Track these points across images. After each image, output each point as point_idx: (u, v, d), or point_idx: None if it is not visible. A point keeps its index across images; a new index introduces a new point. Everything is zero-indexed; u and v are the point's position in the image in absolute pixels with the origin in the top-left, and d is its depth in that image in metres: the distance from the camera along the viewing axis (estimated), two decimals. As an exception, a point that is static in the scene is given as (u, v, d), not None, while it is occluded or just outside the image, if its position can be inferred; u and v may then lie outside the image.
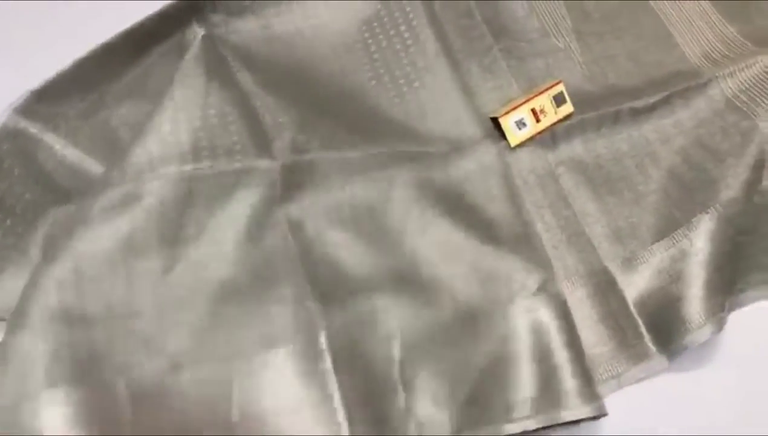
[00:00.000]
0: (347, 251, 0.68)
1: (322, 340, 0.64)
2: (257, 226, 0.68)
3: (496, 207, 0.72)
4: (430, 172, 0.73)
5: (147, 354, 0.63)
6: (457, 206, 0.72)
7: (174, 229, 0.67)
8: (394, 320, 0.66)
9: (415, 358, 0.65)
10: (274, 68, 0.78)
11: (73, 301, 0.63)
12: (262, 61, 0.78)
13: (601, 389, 0.66)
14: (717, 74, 0.80)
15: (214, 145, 0.71)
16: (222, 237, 0.67)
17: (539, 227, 0.73)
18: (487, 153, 0.75)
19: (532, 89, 0.78)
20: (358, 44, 0.81)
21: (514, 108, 0.75)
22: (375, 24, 0.81)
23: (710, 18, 0.86)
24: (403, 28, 0.81)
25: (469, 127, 0.77)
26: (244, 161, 0.71)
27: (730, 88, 0.79)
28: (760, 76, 0.79)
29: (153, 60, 0.77)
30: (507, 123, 0.75)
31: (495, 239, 0.71)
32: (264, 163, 0.71)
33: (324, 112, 0.76)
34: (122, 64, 0.76)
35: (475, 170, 0.74)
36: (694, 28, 0.85)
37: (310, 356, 0.64)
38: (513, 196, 0.73)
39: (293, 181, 0.70)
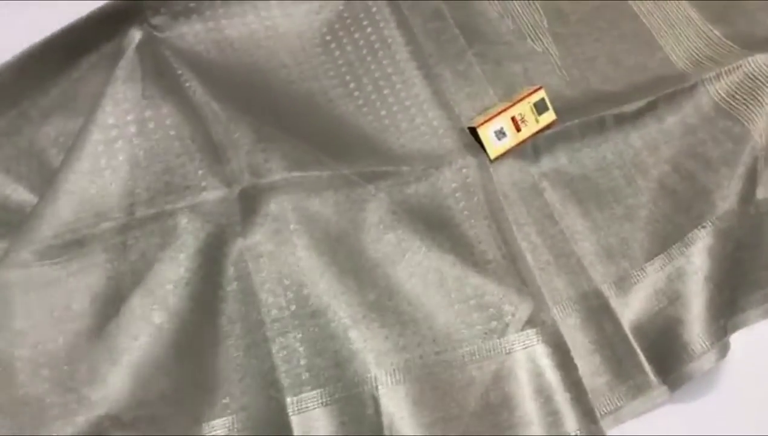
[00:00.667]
0: (317, 283, 0.60)
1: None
2: (207, 267, 0.60)
3: (479, 227, 0.65)
4: (405, 192, 0.65)
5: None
6: (436, 228, 0.64)
7: (107, 288, 0.59)
8: (371, 359, 0.58)
9: (397, 402, 0.57)
10: (226, 76, 0.70)
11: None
12: (211, 68, 0.70)
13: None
14: (703, 77, 0.75)
15: (153, 174, 0.63)
16: (160, 286, 0.59)
17: (524, 246, 0.66)
18: (466, 167, 0.68)
19: (510, 96, 0.72)
20: (318, 48, 0.73)
21: (493, 117, 0.69)
22: (337, 26, 0.74)
23: (693, 20, 0.81)
24: (369, 30, 0.74)
25: (446, 140, 0.70)
26: (191, 194, 0.62)
27: (718, 92, 0.74)
28: (748, 79, 0.74)
29: (82, 71, 0.68)
30: (486, 133, 0.68)
31: (479, 264, 0.63)
32: (216, 194, 0.62)
33: (285, 126, 0.68)
34: (47, 75, 0.68)
35: (454, 187, 0.67)
36: (677, 31, 0.80)
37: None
38: (495, 213, 0.66)
39: (251, 208, 0.62)
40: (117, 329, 0.57)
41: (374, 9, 0.75)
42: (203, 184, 0.63)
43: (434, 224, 0.65)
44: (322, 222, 0.62)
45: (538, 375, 0.60)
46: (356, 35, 0.74)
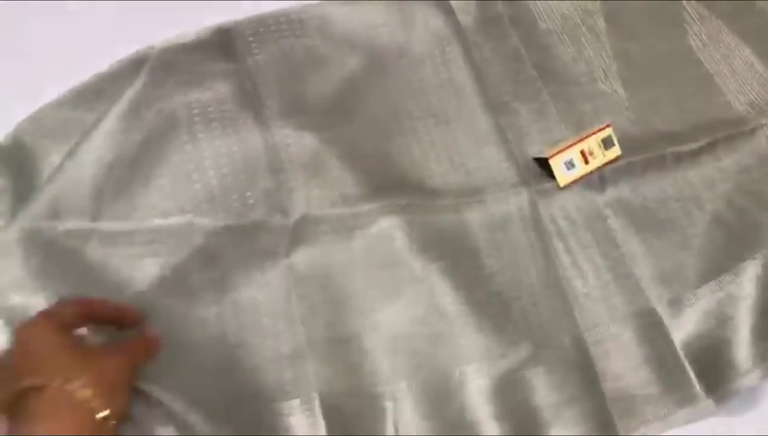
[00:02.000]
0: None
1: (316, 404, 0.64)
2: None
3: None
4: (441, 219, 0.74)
5: None
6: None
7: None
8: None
9: None
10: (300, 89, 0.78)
11: None
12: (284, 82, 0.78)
13: (646, 429, 0.67)
14: (763, 122, 0.81)
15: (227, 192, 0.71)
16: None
17: (587, 267, 0.74)
18: (517, 199, 0.76)
19: (580, 132, 0.80)
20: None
21: (564, 149, 0.77)
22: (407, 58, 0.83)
23: (755, 67, 0.88)
24: (438, 61, 0.83)
25: (501, 173, 0.78)
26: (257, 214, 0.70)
27: (775, 135, 0.81)
28: (806, 125, 0.81)
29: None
30: (557, 163, 0.76)
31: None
32: (277, 220, 0.70)
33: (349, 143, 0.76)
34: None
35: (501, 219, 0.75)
36: (739, 78, 0.87)
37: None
38: (543, 243, 0.74)
39: (299, 237, 0.70)
40: None
41: (447, 48, 0.83)
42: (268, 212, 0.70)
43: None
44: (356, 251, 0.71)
45: None
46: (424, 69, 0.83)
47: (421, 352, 0.67)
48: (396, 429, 0.65)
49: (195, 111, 0.73)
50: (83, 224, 0.67)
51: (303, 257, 0.69)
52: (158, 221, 0.68)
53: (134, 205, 0.68)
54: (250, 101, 0.75)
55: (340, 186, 0.73)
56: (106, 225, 0.67)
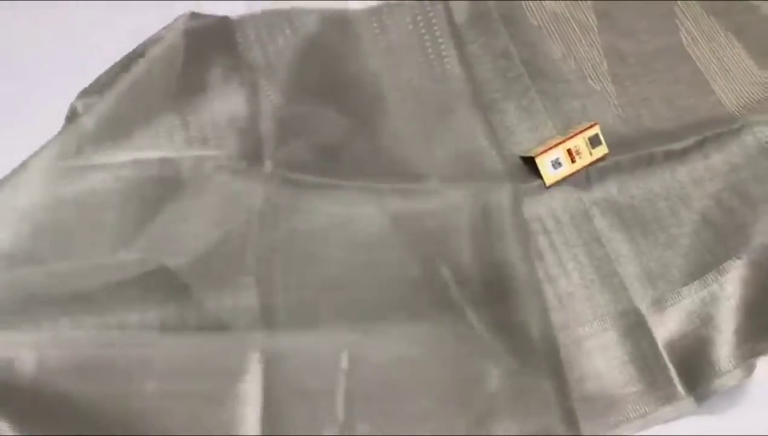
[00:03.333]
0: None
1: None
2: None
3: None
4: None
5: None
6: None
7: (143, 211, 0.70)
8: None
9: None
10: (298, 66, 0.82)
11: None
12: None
13: (627, 427, 0.68)
14: (752, 120, 0.81)
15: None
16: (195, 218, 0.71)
17: (572, 265, 0.74)
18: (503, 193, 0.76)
19: (567, 130, 0.80)
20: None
21: (550, 148, 0.77)
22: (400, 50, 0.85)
23: (746, 66, 0.87)
24: (432, 56, 0.84)
25: (484, 168, 0.79)
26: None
27: (765, 134, 0.80)
28: (796, 124, 0.80)
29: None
30: (543, 162, 0.77)
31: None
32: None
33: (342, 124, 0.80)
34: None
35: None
36: (731, 76, 0.87)
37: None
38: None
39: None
40: None
41: (441, 41, 0.84)
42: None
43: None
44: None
45: None
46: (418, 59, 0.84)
47: None
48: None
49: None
50: None
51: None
52: None
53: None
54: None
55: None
56: None
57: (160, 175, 0.71)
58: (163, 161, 0.73)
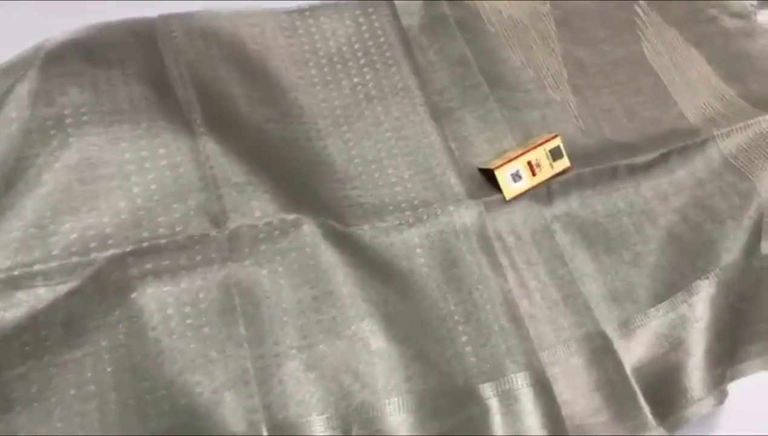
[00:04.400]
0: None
1: None
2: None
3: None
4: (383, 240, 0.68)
5: None
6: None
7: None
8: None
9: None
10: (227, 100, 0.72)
11: None
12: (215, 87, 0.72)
13: (595, 461, 0.63)
14: (714, 133, 0.78)
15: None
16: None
17: (533, 285, 0.69)
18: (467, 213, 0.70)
19: (527, 141, 0.76)
20: (318, 85, 0.76)
21: (510, 160, 0.72)
22: (339, 66, 0.77)
23: (708, 78, 0.85)
24: (378, 66, 0.78)
25: (444, 187, 0.72)
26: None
27: (728, 147, 0.78)
28: (758, 137, 0.78)
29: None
30: (503, 175, 0.72)
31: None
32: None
33: (275, 160, 0.70)
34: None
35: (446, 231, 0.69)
36: (693, 87, 0.84)
37: None
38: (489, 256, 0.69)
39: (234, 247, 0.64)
40: None
41: (389, 53, 0.78)
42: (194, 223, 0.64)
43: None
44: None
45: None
46: (357, 78, 0.77)
47: (343, 382, 0.61)
48: None
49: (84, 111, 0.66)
50: None
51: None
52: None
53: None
54: (172, 105, 0.69)
55: (268, 200, 0.66)
56: None
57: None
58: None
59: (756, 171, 0.76)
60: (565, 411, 0.64)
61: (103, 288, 0.59)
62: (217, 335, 0.60)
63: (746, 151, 0.77)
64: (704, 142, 0.78)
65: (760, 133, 0.78)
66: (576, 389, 0.65)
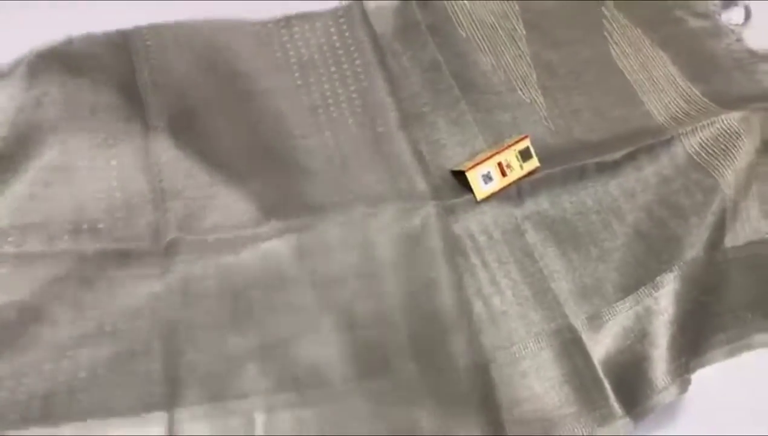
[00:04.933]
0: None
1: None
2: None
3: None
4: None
5: None
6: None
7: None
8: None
9: None
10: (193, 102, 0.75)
11: None
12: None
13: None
14: (680, 132, 0.81)
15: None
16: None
17: (505, 283, 0.72)
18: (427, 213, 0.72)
19: (498, 143, 0.78)
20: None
21: (481, 162, 0.74)
22: (311, 74, 0.80)
23: (674, 78, 0.87)
24: (348, 73, 0.80)
25: (411, 187, 0.74)
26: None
27: (693, 145, 0.80)
28: (721, 135, 0.80)
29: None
30: (474, 176, 0.74)
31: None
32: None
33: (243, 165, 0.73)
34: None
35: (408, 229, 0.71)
36: (659, 87, 0.86)
37: None
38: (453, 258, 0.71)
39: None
40: None
41: (358, 60, 0.80)
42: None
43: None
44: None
45: None
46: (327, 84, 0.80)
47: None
48: None
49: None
50: None
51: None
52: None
53: None
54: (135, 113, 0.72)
55: (228, 210, 0.69)
56: None
57: None
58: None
59: (719, 168, 0.79)
60: (535, 405, 0.67)
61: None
62: None
63: (710, 149, 0.80)
64: (670, 140, 0.80)
65: (723, 131, 0.81)
66: (545, 383, 0.68)
